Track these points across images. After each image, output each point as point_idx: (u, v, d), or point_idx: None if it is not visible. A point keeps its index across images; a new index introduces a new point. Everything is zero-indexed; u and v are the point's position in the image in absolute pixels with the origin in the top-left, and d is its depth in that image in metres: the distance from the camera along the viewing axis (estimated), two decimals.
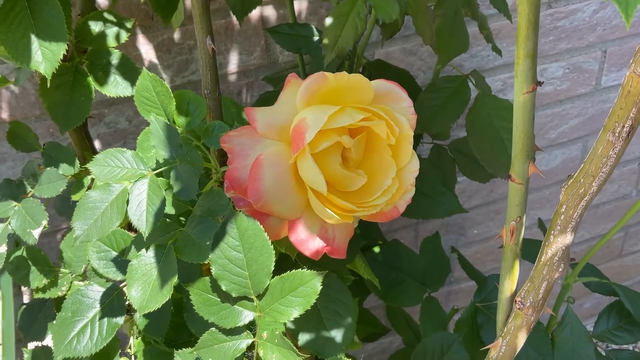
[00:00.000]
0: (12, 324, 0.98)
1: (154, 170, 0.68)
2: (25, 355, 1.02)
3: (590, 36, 1.43)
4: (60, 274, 0.89)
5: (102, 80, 0.85)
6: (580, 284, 1.21)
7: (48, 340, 0.99)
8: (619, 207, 1.79)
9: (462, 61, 1.37)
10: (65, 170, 0.86)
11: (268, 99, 1.09)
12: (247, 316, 0.69)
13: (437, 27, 0.96)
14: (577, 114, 1.55)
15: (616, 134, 0.53)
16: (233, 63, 1.21)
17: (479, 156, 1.00)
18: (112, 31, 0.85)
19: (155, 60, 1.16)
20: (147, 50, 1.15)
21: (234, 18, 1.16)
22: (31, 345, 0.96)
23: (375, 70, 1.07)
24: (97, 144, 1.20)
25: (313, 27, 1.01)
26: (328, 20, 0.86)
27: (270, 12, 1.18)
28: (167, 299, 0.69)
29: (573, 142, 1.59)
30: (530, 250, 0.93)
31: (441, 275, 1.17)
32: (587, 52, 1.46)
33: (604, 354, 1.16)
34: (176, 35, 1.15)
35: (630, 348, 1.96)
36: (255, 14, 1.17)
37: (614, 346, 1.20)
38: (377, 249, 1.13)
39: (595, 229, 1.81)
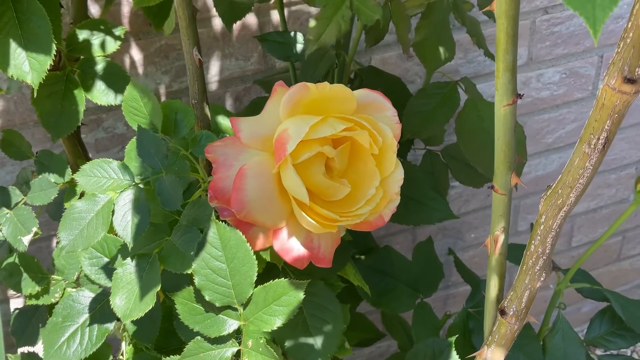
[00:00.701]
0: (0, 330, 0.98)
1: (139, 180, 0.69)
2: None
3: (586, 41, 1.43)
4: (53, 281, 0.90)
5: (93, 89, 0.85)
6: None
7: (40, 346, 1.00)
8: (616, 211, 1.79)
9: (458, 67, 1.37)
10: (57, 178, 0.86)
11: (259, 104, 1.10)
12: (231, 325, 0.70)
13: (424, 37, 0.96)
14: (573, 119, 1.55)
15: (592, 146, 0.53)
16: (230, 68, 1.22)
17: (469, 157, 1.01)
18: (103, 40, 0.86)
19: (153, 66, 1.17)
20: (145, 56, 1.15)
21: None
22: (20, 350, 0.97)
23: (368, 76, 1.08)
24: (95, 149, 1.21)
25: (303, 35, 1.01)
26: (312, 22, 0.87)
27: (272, 17, 1.19)
28: (150, 307, 0.69)
29: (570, 146, 1.60)
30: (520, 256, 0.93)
31: (434, 281, 1.17)
32: (584, 57, 1.46)
33: (596, 359, 1.16)
34: (174, 42, 1.16)
35: (629, 352, 1.96)
36: (252, 20, 1.18)
37: (612, 351, 1.20)
38: (368, 256, 1.13)
39: (593, 234, 1.81)
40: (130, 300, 0.70)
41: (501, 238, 0.68)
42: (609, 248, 1.88)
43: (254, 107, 1.13)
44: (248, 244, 0.68)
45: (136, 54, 1.15)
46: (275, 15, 1.19)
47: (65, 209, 0.89)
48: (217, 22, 1.16)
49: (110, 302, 0.70)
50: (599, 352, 1.21)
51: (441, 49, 0.98)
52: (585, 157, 0.54)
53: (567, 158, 1.58)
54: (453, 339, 0.98)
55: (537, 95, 1.47)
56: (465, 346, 1.09)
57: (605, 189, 1.73)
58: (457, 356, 0.98)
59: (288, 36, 1.01)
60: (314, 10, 1.19)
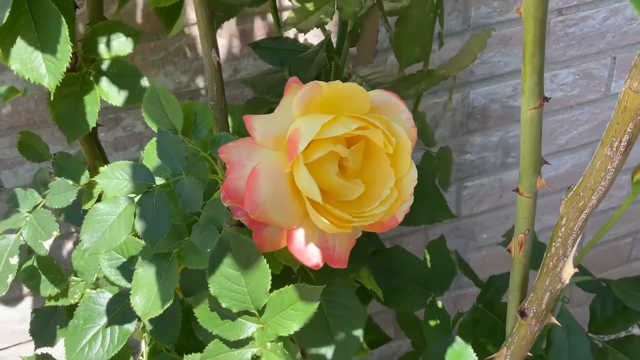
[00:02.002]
0: None
1: (160, 183, 0.69)
2: None
3: (600, 43, 1.43)
4: (72, 282, 0.90)
5: (109, 90, 0.85)
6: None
7: (58, 347, 1.00)
8: (627, 212, 1.78)
9: (473, 67, 1.37)
10: (75, 180, 0.86)
11: (255, 104, 1.10)
12: (250, 328, 0.70)
13: (400, 33, 0.97)
14: (586, 120, 1.55)
15: (614, 149, 0.53)
16: (248, 69, 1.22)
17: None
18: (119, 41, 0.86)
19: (172, 66, 1.17)
20: (164, 56, 1.16)
21: (246, 25, 1.17)
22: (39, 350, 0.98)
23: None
24: (113, 147, 1.22)
25: (297, 40, 1.01)
26: (291, 13, 0.88)
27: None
28: (168, 305, 0.70)
29: (582, 147, 1.60)
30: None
31: (447, 279, 1.17)
32: (597, 59, 1.46)
33: (601, 345, 1.17)
34: (193, 42, 1.16)
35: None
36: (270, 20, 1.18)
37: (619, 334, 1.22)
38: (378, 255, 1.13)
39: (605, 235, 1.81)
40: (149, 299, 0.70)
41: (526, 241, 0.68)
42: (619, 249, 1.88)
43: (250, 107, 1.13)
44: (259, 250, 0.68)
45: (155, 53, 1.15)
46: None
47: (82, 210, 0.90)
48: (232, 22, 1.16)
49: (131, 301, 0.70)
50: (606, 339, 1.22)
51: (415, 48, 0.98)
52: (607, 159, 0.54)
53: (580, 159, 1.58)
54: (469, 342, 0.98)
55: (551, 96, 1.47)
56: (476, 343, 1.09)
57: (617, 190, 1.72)
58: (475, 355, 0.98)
59: (281, 42, 1.01)
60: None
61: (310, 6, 0.87)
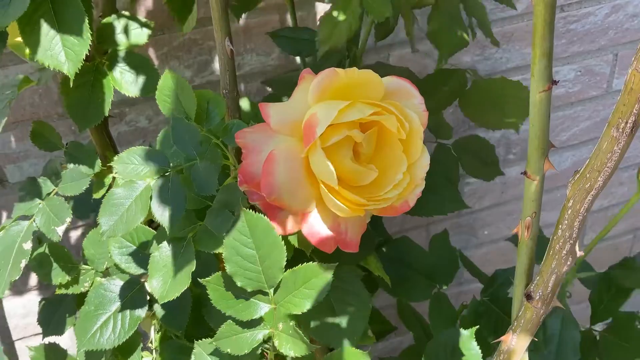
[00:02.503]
0: None
1: (175, 167, 0.71)
2: (31, 353, 1.03)
3: (602, 39, 1.44)
4: (83, 270, 0.91)
5: (122, 81, 0.87)
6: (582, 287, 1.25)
7: (66, 336, 1.01)
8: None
9: (475, 63, 1.38)
10: (87, 169, 0.87)
11: (270, 99, 1.11)
12: (262, 308, 0.71)
13: (438, 25, 0.98)
14: (588, 117, 1.56)
15: (620, 130, 0.54)
16: (251, 64, 1.23)
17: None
18: (132, 33, 0.87)
19: (176, 61, 1.18)
20: (168, 51, 1.17)
21: (252, 20, 1.18)
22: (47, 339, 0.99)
23: (376, 70, 1.09)
24: (117, 142, 1.22)
25: (314, 31, 1.03)
26: (321, 22, 0.89)
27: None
28: (186, 287, 0.71)
29: (584, 144, 1.61)
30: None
31: (450, 271, 1.18)
32: (599, 55, 1.47)
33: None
34: (197, 36, 1.18)
35: None
36: (274, 17, 1.20)
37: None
38: (386, 245, 1.14)
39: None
40: (166, 282, 0.71)
41: (532, 224, 0.69)
42: (620, 246, 1.89)
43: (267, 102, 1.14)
44: (275, 230, 0.69)
45: (159, 48, 1.16)
46: (300, 13, 1.20)
47: (86, 200, 0.91)
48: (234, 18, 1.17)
49: (147, 285, 0.72)
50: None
51: (455, 35, 1.00)
52: (613, 141, 0.55)
53: (581, 156, 1.59)
54: (473, 330, 0.98)
55: (553, 93, 1.47)
56: (480, 335, 1.10)
57: (618, 187, 1.74)
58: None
59: (300, 32, 1.02)
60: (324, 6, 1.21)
61: (338, 7, 0.88)
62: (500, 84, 1.12)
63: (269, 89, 1.21)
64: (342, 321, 0.84)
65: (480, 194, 1.61)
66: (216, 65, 1.21)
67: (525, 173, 0.65)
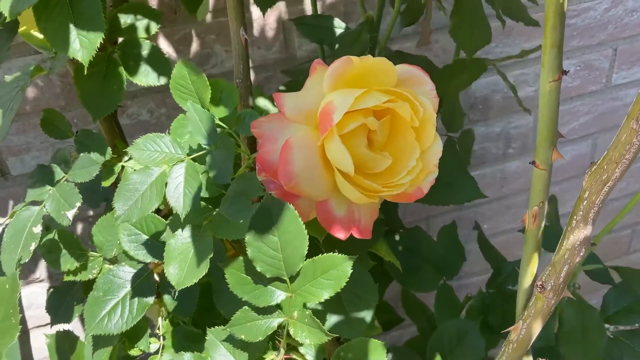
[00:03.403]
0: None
1: (190, 155, 0.71)
2: (47, 341, 1.04)
3: (601, 34, 1.45)
4: (91, 257, 0.91)
5: (134, 70, 0.87)
6: (587, 279, 1.24)
7: (74, 323, 1.01)
8: (627, 204, 1.81)
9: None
10: (98, 157, 0.88)
11: (289, 89, 1.12)
12: (279, 296, 0.71)
13: (460, 22, 0.98)
14: (587, 111, 1.57)
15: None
16: (252, 57, 1.24)
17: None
18: (142, 23, 0.88)
19: (176, 54, 1.19)
20: (169, 44, 1.17)
21: (253, 13, 1.19)
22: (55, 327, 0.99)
23: (395, 60, 1.09)
24: None
25: (335, 19, 1.03)
26: None
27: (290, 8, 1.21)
28: (204, 274, 0.71)
29: (583, 139, 1.61)
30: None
31: (457, 263, 1.19)
32: (598, 50, 1.48)
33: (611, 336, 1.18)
34: (197, 30, 1.18)
35: None
36: (274, 9, 1.20)
37: (633, 326, 1.22)
38: (397, 236, 1.15)
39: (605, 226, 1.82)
40: (183, 269, 0.72)
41: (539, 213, 0.69)
42: (619, 241, 1.90)
43: (288, 89, 1.15)
44: (300, 219, 0.69)
45: (160, 41, 1.17)
46: (301, 6, 1.21)
47: (101, 188, 0.91)
48: None
49: (165, 272, 0.72)
50: (612, 328, 1.22)
51: (477, 33, 1.00)
52: (632, 132, 0.55)
53: (580, 150, 1.59)
54: (479, 320, 0.99)
55: None
56: (484, 327, 1.11)
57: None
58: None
59: (322, 20, 1.03)
60: None
61: None
62: None
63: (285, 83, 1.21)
64: (350, 310, 0.85)
65: (480, 187, 1.61)
66: (216, 58, 1.21)
67: (533, 162, 0.66)
